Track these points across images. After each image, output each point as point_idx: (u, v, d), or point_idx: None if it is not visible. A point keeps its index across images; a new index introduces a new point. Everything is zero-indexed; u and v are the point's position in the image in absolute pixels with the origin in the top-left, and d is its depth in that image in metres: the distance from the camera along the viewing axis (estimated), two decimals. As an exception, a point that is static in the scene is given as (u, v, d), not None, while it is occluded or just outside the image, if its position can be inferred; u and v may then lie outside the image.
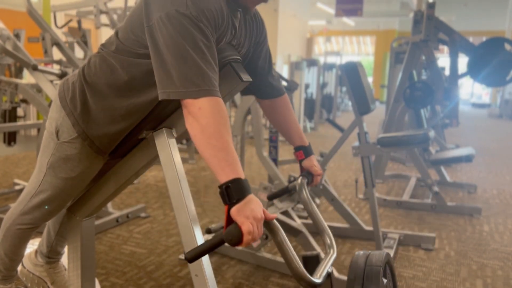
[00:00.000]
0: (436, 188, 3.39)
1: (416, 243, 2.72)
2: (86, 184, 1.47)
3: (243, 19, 1.31)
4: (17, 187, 3.56)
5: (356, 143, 2.60)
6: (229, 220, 1.04)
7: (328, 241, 1.39)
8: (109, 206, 3.00)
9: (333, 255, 1.33)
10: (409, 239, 2.74)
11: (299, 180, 1.50)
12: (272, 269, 2.30)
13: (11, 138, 3.48)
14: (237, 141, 3.38)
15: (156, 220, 3.02)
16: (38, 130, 3.92)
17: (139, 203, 3.30)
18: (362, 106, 2.52)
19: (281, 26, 12.67)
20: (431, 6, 3.57)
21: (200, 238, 1.22)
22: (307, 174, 1.55)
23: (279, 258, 2.32)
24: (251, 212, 1.02)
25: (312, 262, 1.47)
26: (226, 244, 1.04)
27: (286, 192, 1.58)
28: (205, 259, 1.22)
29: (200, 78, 1.06)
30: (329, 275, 1.24)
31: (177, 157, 1.27)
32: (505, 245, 2.77)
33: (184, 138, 1.57)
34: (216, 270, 2.29)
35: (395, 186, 4.19)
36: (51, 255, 1.74)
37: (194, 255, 1.06)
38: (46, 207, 1.43)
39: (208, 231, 2.43)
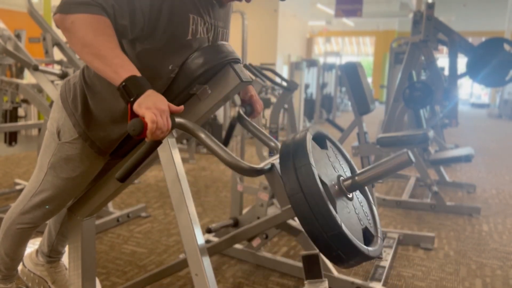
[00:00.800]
0: (435, 188, 3.40)
1: (415, 242, 2.73)
2: (87, 184, 1.47)
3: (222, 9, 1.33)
4: (17, 187, 3.57)
5: (356, 143, 2.61)
6: (133, 116, 1.04)
7: (273, 144, 1.47)
8: (110, 205, 3.01)
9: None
10: (408, 238, 2.75)
11: (237, 110, 1.56)
12: (272, 269, 2.31)
13: (12, 138, 3.49)
14: (237, 141, 3.39)
15: (156, 219, 3.03)
16: (39, 130, 3.93)
17: (139, 203, 3.31)
18: (362, 106, 2.53)
19: (281, 26, 12.67)
20: (431, 7, 3.58)
21: (200, 238, 1.23)
22: (246, 105, 1.60)
23: (279, 258, 2.33)
24: (153, 103, 1.03)
25: (312, 262, 1.48)
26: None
27: (231, 128, 1.65)
28: (205, 258, 1.23)
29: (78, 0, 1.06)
30: (272, 166, 1.22)
31: (177, 157, 1.27)
32: (504, 245, 2.78)
33: (184, 138, 1.59)
34: (216, 269, 2.30)
35: (394, 186, 4.20)
36: (52, 255, 1.75)
37: (125, 173, 1.06)
38: (47, 206, 1.44)
39: (208, 230, 2.44)
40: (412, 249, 2.67)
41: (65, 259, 1.82)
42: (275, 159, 1.24)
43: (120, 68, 1.05)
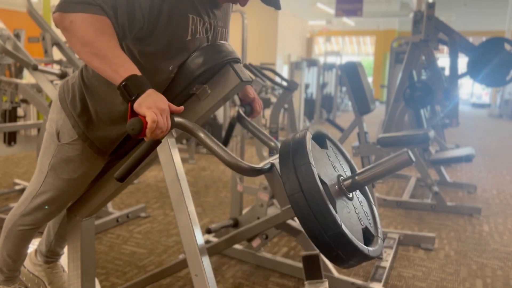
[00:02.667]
0: (436, 188, 3.39)
1: (416, 243, 2.72)
2: (88, 185, 1.47)
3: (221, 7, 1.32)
4: (17, 187, 3.56)
5: (356, 143, 2.60)
6: (133, 116, 1.04)
7: (273, 144, 1.47)
8: (109, 206, 3.00)
9: None
10: (409, 239, 2.74)
11: (237, 110, 1.56)
12: (272, 269, 2.30)
13: (11, 138, 3.49)
14: (237, 141, 3.38)
15: (156, 220, 3.03)
16: (38, 130, 3.92)
17: (139, 203, 3.30)
18: (362, 106, 2.53)
19: (281, 26, 12.67)
20: (431, 6, 3.57)
21: (200, 238, 1.22)
22: (246, 105, 1.60)
23: (279, 258, 2.32)
24: (154, 103, 1.02)
25: (312, 262, 1.48)
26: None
27: (231, 127, 1.67)
28: (205, 259, 1.22)
29: None
30: (272, 166, 1.21)
31: (176, 157, 1.27)
32: (504, 245, 2.77)
33: (183, 138, 1.59)
34: (216, 270, 2.29)
35: (395, 186, 4.19)
36: (49, 255, 1.74)
37: (124, 173, 1.06)
38: (48, 207, 1.43)
39: (208, 231, 2.44)
40: (412, 249, 2.66)
41: (63, 260, 1.81)
42: (275, 159, 1.24)
43: (121, 67, 1.05)
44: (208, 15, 1.25)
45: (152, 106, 1.01)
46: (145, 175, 4.19)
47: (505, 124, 10.17)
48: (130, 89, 1.03)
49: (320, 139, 1.24)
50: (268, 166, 1.19)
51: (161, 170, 4.33)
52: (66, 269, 1.79)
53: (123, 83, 1.03)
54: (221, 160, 1.09)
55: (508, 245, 2.78)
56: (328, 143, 1.27)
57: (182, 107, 1.10)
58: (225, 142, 1.73)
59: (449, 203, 3.43)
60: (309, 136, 1.10)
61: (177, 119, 1.09)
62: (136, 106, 1.02)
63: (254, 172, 1.13)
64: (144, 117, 1.00)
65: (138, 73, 1.06)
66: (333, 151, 1.28)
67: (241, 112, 1.54)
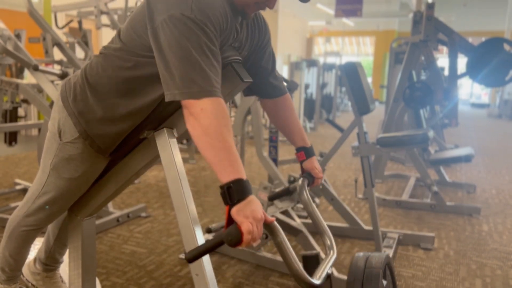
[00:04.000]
0: (435, 188, 3.40)
1: (415, 242, 2.73)
2: (90, 185, 1.48)
3: (245, 22, 1.32)
4: (17, 187, 3.57)
5: (356, 143, 2.61)
6: (230, 221, 1.06)
7: (328, 242, 1.39)
8: (110, 205, 3.01)
9: (333, 256, 1.33)
10: (408, 238, 2.75)
11: (300, 181, 1.51)
12: (272, 269, 2.31)
13: (12, 138, 3.49)
14: (237, 141, 3.39)
15: (156, 219, 3.03)
16: (39, 130, 3.93)
17: (139, 203, 3.31)
18: (362, 106, 2.53)
19: (281, 26, 12.68)
20: (431, 7, 3.58)
21: (201, 238, 1.23)
22: (308, 175, 1.56)
23: (279, 258, 2.33)
24: (251, 212, 1.03)
25: (312, 262, 1.48)
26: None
27: (287, 193, 1.59)
28: (205, 258, 1.23)
29: (202, 79, 1.07)
30: (328, 276, 1.24)
31: (177, 157, 1.28)
32: (504, 245, 2.78)
33: (184, 138, 1.59)
34: (216, 269, 2.30)
35: (394, 186, 4.20)
36: (48, 262, 1.74)
37: (194, 256, 1.07)
38: (49, 208, 1.44)
39: (208, 230, 2.44)
40: (412, 249, 2.67)
41: (62, 271, 1.81)
42: (330, 260, 1.27)
43: (230, 167, 1.05)
44: (237, 33, 1.28)
45: (249, 216, 1.02)
46: (146, 175, 4.20)
47: (504, 124, 10.18)
48: (233, 193, 1.04)
49: (385, 269, 1.32)
50: (324, 277, 1.20)
51: (162, 170, 4.34)
52: (65, 279, 1.79)
53: (228, 185, 1.04)
54: (288, 269, 1.10)
55: (507, 244, 2.79)
56: (387, 272, 1.36)
57: (274, 218, 1.10)
58: (273, 198, 1.70)
59: (449, 203, 3.44)
60: (381, 276, 1.19)
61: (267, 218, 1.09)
62: (234, 212, 1.03)
63: (314, 287, 1.13)
64: (240, 225, 1.01)
65: (244, 176, 1.06)
66: (389, 280, 1.36)
67: (305, 184, 1.50)
